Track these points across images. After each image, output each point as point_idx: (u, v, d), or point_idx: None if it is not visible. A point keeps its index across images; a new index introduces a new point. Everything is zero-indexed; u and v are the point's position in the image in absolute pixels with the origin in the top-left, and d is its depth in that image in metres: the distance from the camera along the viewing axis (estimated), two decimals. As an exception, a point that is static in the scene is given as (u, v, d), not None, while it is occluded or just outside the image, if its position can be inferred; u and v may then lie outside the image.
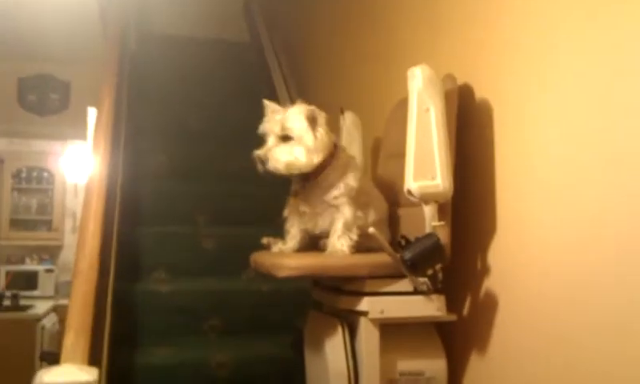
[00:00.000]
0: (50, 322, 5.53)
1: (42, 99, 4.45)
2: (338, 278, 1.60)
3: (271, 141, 1.54)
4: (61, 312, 5.83)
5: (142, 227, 2.62)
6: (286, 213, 1.71)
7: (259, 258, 1.73)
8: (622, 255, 1.14)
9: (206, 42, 4.12)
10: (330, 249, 1.59)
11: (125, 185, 2.60)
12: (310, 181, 1.60)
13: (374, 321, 1.50)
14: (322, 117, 1.55)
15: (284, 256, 1.62)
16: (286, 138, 1.53)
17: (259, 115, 1.75)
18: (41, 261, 6.52)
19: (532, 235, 1.39)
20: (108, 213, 1.98)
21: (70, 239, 6.65)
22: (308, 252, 1.66)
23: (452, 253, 1.51)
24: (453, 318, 1.57)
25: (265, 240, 1.76)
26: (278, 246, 1.71)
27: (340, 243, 1.57)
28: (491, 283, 1.54)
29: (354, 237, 1.57)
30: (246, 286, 2.47)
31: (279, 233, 1.74)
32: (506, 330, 1.48)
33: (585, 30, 1.23)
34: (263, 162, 1.53)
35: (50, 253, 6.61)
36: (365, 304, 1.50)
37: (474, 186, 1.61)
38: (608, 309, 1.17)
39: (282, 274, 1.51)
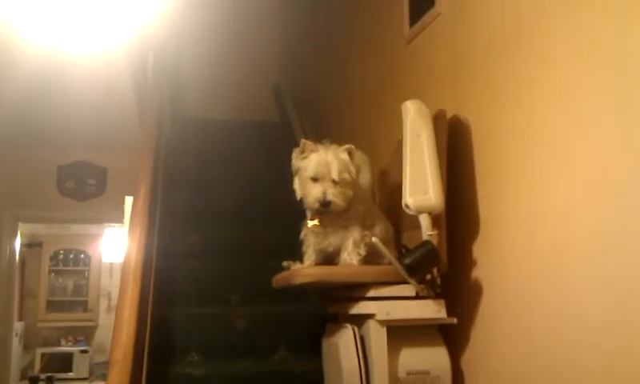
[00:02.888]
0: (83, 404, 5.50)
1: (80, 185, 4.60)
2: (347, 283, 1.82)
3: (326, 185, 1.78)
4: (94, 394, 5.81)
5: (175, 308, 2.64)
6: (302, 236, 1.96)
7: (279, 276, 1.97)
8: (606, 253, 1.25)
9: (238, 124, 4.26)
10: (341, 263, 1.83)
11: (159, 266, 2.64)
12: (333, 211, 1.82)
13: (381, 322, 1.68)
14: (359, 158, 1.88)
15: (300, 267, 1.89)
16: (335, 181, 1.78)
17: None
18: (76, 342, 6.56)
19: (519, 242, 1.56)
20: (142, 297, 2.00)
21: (104, 319, 6.70)
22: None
23: (450, 262, 1.72)
24: (453, 321, 1.73)
25: (285, 263, 1.99)
26: (296, 266, 1.95)
27: (350, 258, 1.81)
28: (486, 289, 1.71)
29: (363, 252, 1.82)
30: (277, 368, 2.44)
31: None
32: (501, 330, 1.63)
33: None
34: (324, 203, 1.77)
35: (85, 333, 6.66)
36: (372, 307, 1.69)
37: (465, 202, 1.82)
38: (588, 308, 1.31)
39: (299, 280, 1.77)
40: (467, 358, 1.80)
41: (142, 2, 2.52)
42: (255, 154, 3.83)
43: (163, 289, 2.65)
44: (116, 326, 1.72)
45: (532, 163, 1.52)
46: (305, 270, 1.82)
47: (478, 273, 1.76)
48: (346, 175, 1.80)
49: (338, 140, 2.41)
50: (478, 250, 1.77)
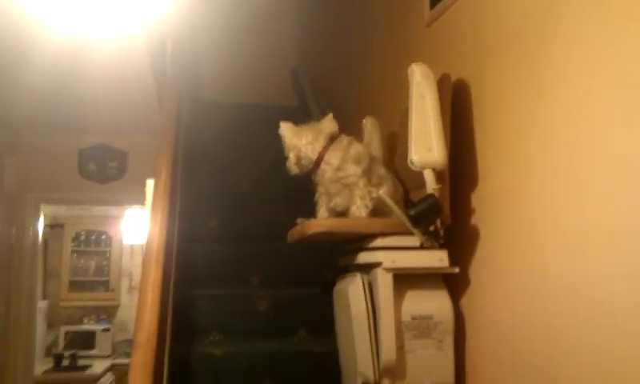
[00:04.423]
0: (107, 381, 5.64)
1: (101, 168, 4.67)
2: (355, 234, 1.92)
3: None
4: (117, 371, 5.95)
5: (196, 290, 2.69)
6: (316, 197, 2.06)
7: (293, 230, 2.08)
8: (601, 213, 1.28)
9: (257, 108, 4.27)
10: (350, 216, 1.94)
11: (180, 249, 2.68)
12: (314, 170, 1.99)
13: (387, 270, 1.79)
14: (304, 131, 2.04)
15: (312, 220, 2.00)
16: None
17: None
18: (98, 320, 6.70)
19: (519, 199, 1.63)
20: (165, 279, 2.04)
21: (126, 299, 6.83)
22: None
23: (453, 215, 1.83)
24: (455, 270, 1.83)
25: (299, 220, 2.08)
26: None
27: (359, 211, 1.91)
28: (487, 241, 1.80)
29: (370, 205, 1.92)
30: (298, 348, 2.48)
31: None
32: (503, 280, 1.70)
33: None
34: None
35: (107, 312, 6.79)
36: (380, 256, 1.80)
37: (468, 159, 1.90)
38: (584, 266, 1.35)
39: (311, 231, 1.90)
40: (468, 304, 1.89)
41: (162, -13, 2.54)
42: (275, 138, 3.83)
43: (185, 271, 2.69)
44: (139, 308, 1.76)
45: (557, 152, 1.49)
46: (316, 221, 1.96)
47: (479, 226, 1.84)
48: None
49: (357, 124, 2.43)
50: (478, 202, 1.85)
